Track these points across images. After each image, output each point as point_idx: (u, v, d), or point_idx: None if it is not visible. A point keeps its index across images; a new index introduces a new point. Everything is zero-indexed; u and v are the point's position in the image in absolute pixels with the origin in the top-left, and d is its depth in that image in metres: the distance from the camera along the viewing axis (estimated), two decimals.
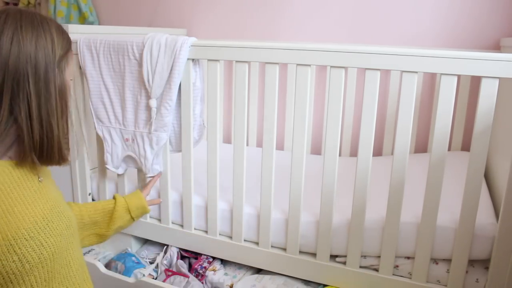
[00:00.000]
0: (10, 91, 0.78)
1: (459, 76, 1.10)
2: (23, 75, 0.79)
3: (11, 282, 0.78)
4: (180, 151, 1.49)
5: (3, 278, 0.77)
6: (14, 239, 0.77)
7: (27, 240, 0.79)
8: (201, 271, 1.49)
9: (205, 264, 1.51)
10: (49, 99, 0.83)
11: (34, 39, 0.80)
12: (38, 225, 0.82)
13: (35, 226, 0.81)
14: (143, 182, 1.55)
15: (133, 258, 1.56)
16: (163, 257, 1.57)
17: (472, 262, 1.26)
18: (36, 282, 0.82)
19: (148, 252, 1.64)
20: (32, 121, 0.81)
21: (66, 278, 0.89)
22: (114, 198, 1.33)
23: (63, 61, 0.86)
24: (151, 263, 1.59)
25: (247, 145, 2.16)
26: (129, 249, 1.65)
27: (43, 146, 0.83)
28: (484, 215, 1.26)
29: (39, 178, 0.88)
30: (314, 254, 1.38)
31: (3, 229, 0.76)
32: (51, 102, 0.83)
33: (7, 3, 2.59)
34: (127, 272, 1.49)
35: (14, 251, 0.77)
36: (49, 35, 0.83)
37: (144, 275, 1.47)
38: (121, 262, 1.54)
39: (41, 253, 0.81)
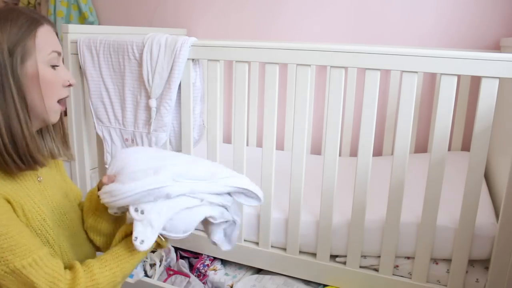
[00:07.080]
0: None
1: (459, 76, 1.10)
2: None
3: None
4: (180, 151, 1.49)
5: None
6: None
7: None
8: (203, 270, 1.49)
9: (207, 262, 1.51)
10: (4, 93, 0.76)
11: None
12: (47, 222, 0.83)
13: (42, 224, 0.82)
14: None
15: None
16: (163, 257, 1.57)
17: (472, 262, 1.26)
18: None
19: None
20: None
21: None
22: None
23: (17, 50, 0.77)
24: (151, 263, 1.59)
25: (247, 145, 2.16)
26: None
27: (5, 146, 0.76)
28: (484, 215, 1.26)
29: (38, 178, 0.87)
30: (314, 254, 1.38)
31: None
32: (6, 96, 0.76)
33: (6, 3, 2.59)
34: None
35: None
36: None
37: (144, 275, 1.47)
38: None
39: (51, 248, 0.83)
